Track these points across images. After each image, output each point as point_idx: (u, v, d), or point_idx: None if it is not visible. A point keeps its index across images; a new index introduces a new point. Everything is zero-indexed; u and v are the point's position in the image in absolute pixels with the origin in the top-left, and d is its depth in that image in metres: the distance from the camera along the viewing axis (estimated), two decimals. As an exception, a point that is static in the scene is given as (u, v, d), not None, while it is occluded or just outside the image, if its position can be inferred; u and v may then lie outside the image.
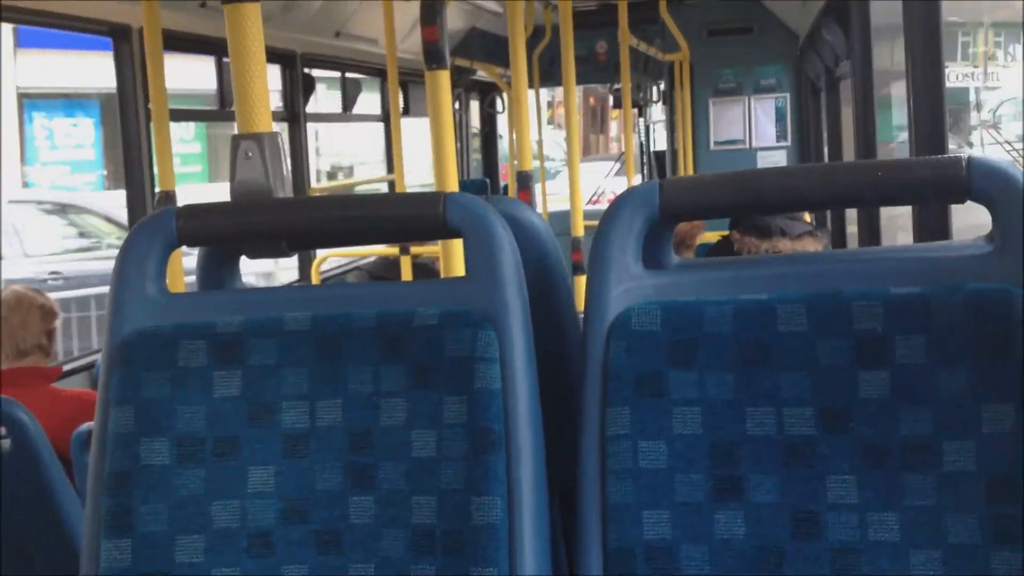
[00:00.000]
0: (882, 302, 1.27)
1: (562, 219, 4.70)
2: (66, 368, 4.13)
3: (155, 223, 1.40)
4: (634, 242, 1.33)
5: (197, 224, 1.40)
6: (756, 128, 7.96)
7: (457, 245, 2.31)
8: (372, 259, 5.45)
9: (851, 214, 5.04)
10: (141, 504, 1.33)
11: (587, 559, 1.29)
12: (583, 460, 1.31)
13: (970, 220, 1.96)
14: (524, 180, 3.36)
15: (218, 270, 1.50)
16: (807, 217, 5.16)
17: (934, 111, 2.38)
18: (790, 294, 1.29)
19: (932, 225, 2.34)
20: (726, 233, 3.45)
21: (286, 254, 1.44)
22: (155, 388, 1.35)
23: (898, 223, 4.93)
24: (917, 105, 2.39)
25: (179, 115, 4.11)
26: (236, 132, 1.49)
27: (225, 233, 1.42)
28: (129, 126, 4.15)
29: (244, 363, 1.35)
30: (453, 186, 2.27)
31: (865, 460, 1.25)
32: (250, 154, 1.46)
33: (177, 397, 1.35)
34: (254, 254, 1.46)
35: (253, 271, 8.33)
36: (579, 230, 4.10)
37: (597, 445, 1.30)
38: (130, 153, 4.17)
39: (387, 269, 4.26)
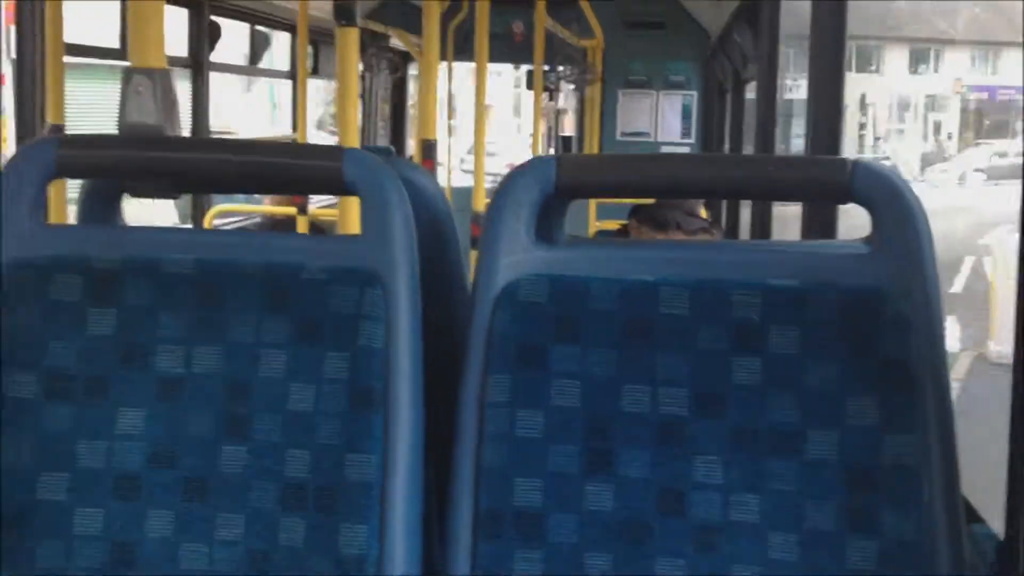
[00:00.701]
0: (760, 292, 1.30)
1: (465, 195, 4.70)
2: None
3: (34, 151, 1.35)
4: (528, 214, 1.34)
5: (79, 155, 1.35)
6: (663, 123, 8.06)
7: (354, 204, 2.29)
8: (259, 219, 5.35)
9: (747, 212, 5.13)
10: (2, 436, 1.29)
11: (457, 520, 1.30)
12: (461, 423, 1.32)
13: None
14: (428, 149, 3.35)
15: (101, 207, 1.45)
16: (703, 213, 5.26)
17: (831, 116, 2.44)
18: (675, 278, 1.32)
19: (818, 225, 2.40)
20: (625, 223, 3.53)
21: (172, 195, 1.40)
22: (25, 320, 1.31)
23: (789, 229, 5.05)
24: (816, 109, 2.45)
25: (74, 50, 3.98)
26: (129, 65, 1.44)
27: (108, 167, 1.38)
28: (24, 59, 4.00)
29: (120, 302, 1.32)
30: (354, 145, 2.25)
31: (733, 443, 1.28)
32: (141, 90, 1.42)
33: (48, 331, 1.32)
34: (138, 192, 1.42)
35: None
36: (480, 205, 4.12)
37: (476, 410, 1.31)
38: (23, 86, 4.03)
39: (274, 230, 4.20)
